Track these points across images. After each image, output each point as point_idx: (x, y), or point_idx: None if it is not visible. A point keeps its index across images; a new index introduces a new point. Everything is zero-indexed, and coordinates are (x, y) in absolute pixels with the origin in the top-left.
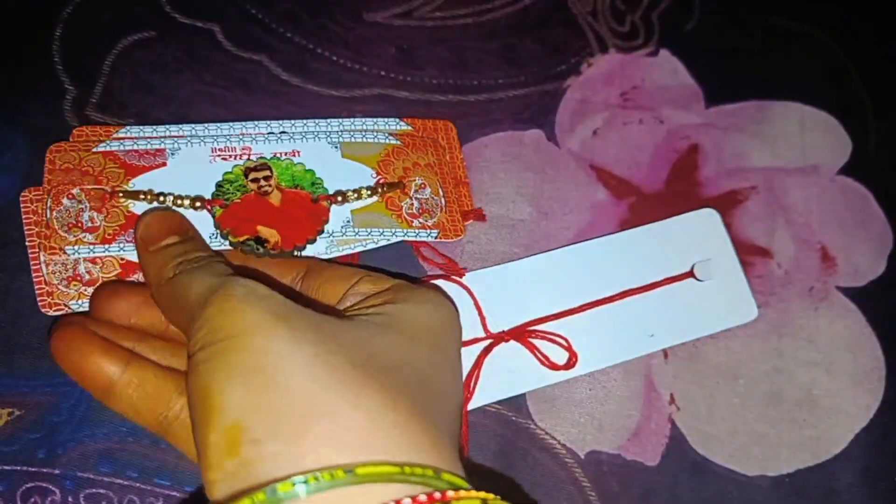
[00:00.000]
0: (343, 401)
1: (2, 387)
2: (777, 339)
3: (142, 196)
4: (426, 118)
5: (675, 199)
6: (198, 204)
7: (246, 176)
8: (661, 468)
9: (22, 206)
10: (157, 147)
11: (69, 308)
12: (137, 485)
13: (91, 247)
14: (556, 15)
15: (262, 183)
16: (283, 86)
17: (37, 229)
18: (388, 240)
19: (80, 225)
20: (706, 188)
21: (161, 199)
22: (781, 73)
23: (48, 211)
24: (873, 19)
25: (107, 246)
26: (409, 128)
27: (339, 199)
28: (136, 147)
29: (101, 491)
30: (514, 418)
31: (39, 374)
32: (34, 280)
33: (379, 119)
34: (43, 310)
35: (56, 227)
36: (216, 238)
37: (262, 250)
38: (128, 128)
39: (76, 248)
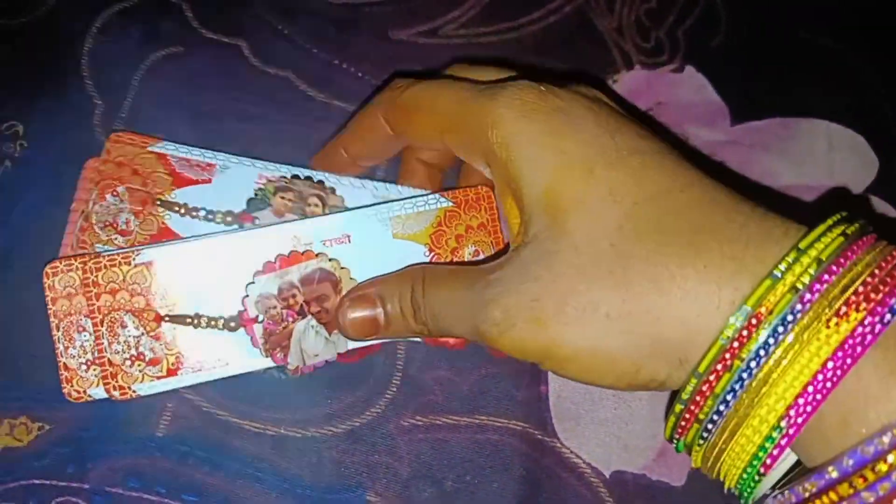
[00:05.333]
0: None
1: (32, 402)
2: None
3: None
4: None
5: None
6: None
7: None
8: (686, 489)
9: (45, 280)
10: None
11: (90, 396)
12: (166, 500)
13: (119, 249)
14: (580, 32)
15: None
16: (309, 101)
17: (75, 228)
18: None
19: (115, 225)
20: None
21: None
22: (808, 90)
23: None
24: None
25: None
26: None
27: None
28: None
29: None
30: (539, 437)
31: None
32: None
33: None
34: (66, 396)
35: (93, 222)
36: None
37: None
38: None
39: (105, 247)
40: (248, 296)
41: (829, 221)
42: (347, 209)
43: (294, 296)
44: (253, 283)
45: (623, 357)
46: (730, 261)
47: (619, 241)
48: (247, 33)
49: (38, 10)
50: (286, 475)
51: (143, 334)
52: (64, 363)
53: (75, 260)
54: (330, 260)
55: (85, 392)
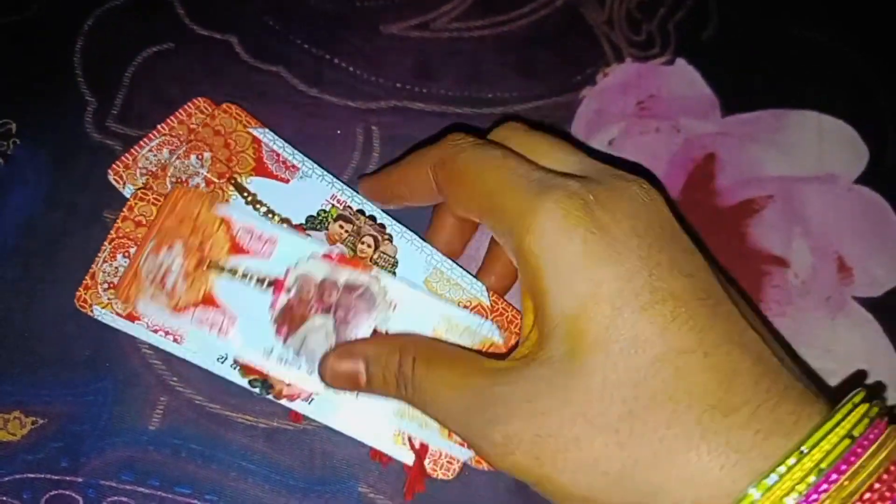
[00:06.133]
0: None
1: (26, 395)
2: (794, 349)
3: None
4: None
5: (691, 209)
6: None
7: None
8: None
9: (131, 200)
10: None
11: (92, 312)
12: (159, 493)
13: (114, 317)
14: (571, 25)
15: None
16: (301, 97)
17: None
18: (420, 436)
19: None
20: (722, 197)
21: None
22: (799, 81)
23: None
24: (893, 28)
25: (127, 322)
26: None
27: None
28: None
29: (123, 499)
30: None
31: (63, 384)
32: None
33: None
34: (75, 300)
35: (98, 281)
36: (224, 361)
37: (266, 393)
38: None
39: (103, 311)
40: (296, 266)
41: (838, 417)
42: (395, 263)
43: (331, 294)
44: (307, 261)
45: None
46: (734, 453)
47: (632, 402)
48: (238, 29)
49: (30, 7)
50: (279, 467)
51: (181, 267)
52: (93, 272)
53: (162, 197)
54: (381, 285)
55: (91, 306)
